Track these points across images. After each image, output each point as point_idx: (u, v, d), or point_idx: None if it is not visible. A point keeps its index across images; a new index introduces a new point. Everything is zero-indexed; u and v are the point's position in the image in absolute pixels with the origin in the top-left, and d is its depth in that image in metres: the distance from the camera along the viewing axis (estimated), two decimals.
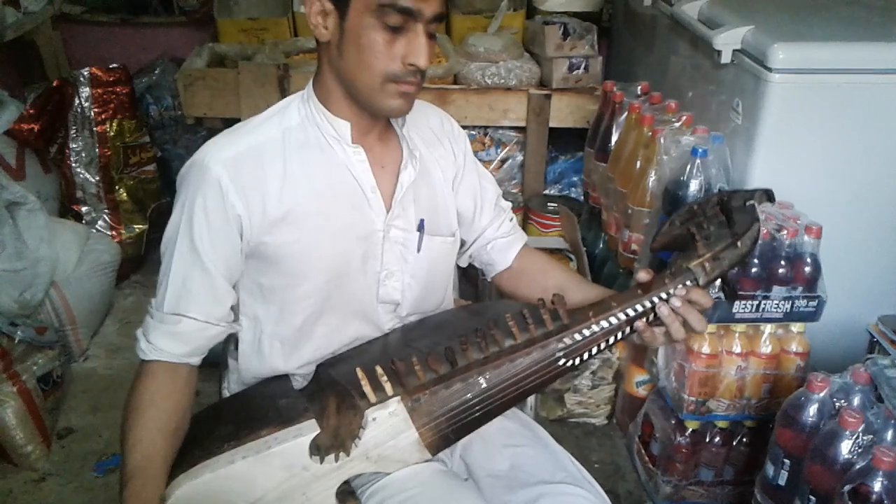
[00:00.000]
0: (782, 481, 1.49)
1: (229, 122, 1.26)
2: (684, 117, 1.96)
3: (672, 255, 1.24)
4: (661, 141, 1.89)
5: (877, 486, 1.23)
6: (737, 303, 1.67)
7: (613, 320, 1.17)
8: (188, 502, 1.10)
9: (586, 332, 1.16)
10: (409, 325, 1.32)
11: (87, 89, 2.75)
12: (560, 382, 2.20)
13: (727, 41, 1.81)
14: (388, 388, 1.12)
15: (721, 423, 1.86)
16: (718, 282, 1.23)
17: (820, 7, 2.06)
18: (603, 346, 1.18)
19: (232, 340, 1.30)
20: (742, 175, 1.81)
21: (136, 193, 2.94)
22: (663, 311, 1.16)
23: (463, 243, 1.41)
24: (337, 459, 1.13)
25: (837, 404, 1.43)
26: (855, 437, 1.32)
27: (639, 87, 2.26)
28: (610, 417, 2.27)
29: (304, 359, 1.26)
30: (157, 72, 3.34)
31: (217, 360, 1.37)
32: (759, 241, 1.63)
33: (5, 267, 2.22)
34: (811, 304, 1.68)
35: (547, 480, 1.19)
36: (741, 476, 1.90)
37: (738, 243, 1.17)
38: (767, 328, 1.74)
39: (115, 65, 2.82)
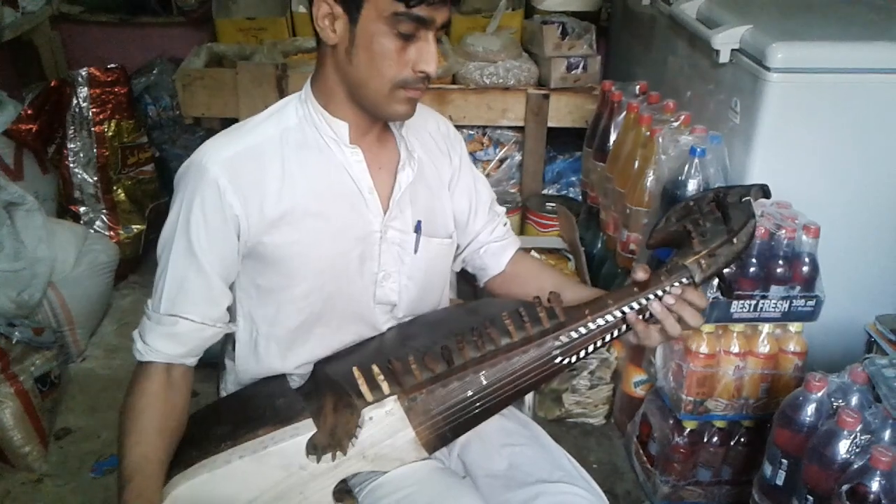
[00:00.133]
0: (780, 481, 1.49)
1: (227, 122, 1.26)
2: (682, 117, 1.96)
3: (671, 252, 1.24)
4: (660, 140, 1.89)
5: (874, 485, 1.23)
6: (735, 302, 1.67)
7: (610, 318, 1.17)
8: (185, 502, 1.10)
9: (583, 330, 1.16)
10: (406, 324, 1.32)
11: (86, 89, 2.75)
12: (558, 382, 2.20)
13: (725, 40, 1.81)
14: (384, 387, 1.12)
15: (719, 423, 1.86)
16: (715, 279, 1.23)
17: (818, 6, 2.06)
18: (599, 343, 1.18)
19: (229, 341, 1.30)
20: (740, 174, 1.81)
21: (134, 194, 2.93)
22: (656, 307, 1.16)
23: (457, 247, 1.41)
24: (334, 458, 1.13)
25: (835, 404, 1.43)
26: (853, 436, 1.32)
27: (637, 87, 2.26)
28: (608, 417, 2.27)
29: (300, 359, 1.26)
30: (155, 72, 3.34)
31: (215, 361, 1.37)
32: (758, 241, 1.63)
33: (3, 267, 2.22)
34: (809, 303, 1.68)
35: (545, 479, 1.19)
36: (739, 476, 1.90)
37: (735, 240, 1.17)
38: (765, 328, 1.74)
39: (113, 65, 2.81)
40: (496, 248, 1.43)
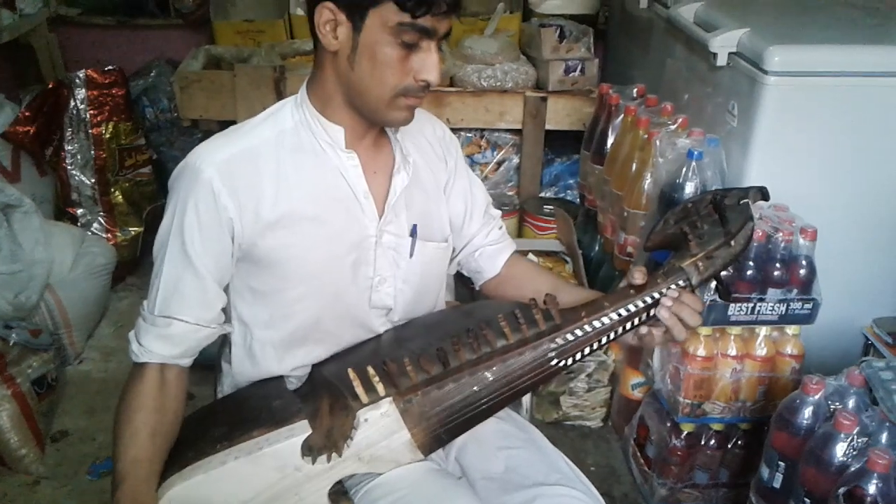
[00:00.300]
0: (777, 484, 1.49)
1: (225, 125, 1.25)
2: (680, 120, 1.96)
3: (669, 255, 1.24)
4: (657, 143, 1.89)
5: (871, 488, 1.23)
6: (732, 305, 1.67)
7: (606, 320, 1.16)
8: (181, 503, 1.10)
9: (578, 333, 1.16)
10: (403, 326, 1.32)
11: (83, 91, 2.75)
12: (556, 385, 2.20)
13: (723, 44, 1.82)
14: (380, 388, 1.12)
15: (716, 426, 1.86)
16: (713, 282, 1.23)
17: (815, 10, 2.07)
18: (595, 346, 1.18)
19: (226, 344, 1.30)
20: (738, 177, 1.81)
21: (131, 196, 2.93)
22: (664, 314, 1.16)
23: (452, 250, 1.41)
24: (329, 460, 1.12)
25: (832, 407, 1.43)
26: (850, 439, 1.33)
27: (635, 90, 2.26)
28: (605, 420, 2.27)
29: (297, 362, 1.26)
30: (153, 74, 3.34)
31: (212, 363, 1.36)
32: (755, 244, 1.63)
33: (0, 269, 2.21)
34: (806, 306, 1.68)
35: (542, 482, 1.19)
36: (736, 478, 1.91)
37: (732, 242, 1.17)
38: (762, 330, 1.74)
39: (110, 67, 2.81)
40: (491, 251, 1.43)
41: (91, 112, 2.77)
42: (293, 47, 2.94)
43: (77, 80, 2.74)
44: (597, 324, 1.16)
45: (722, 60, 1.83)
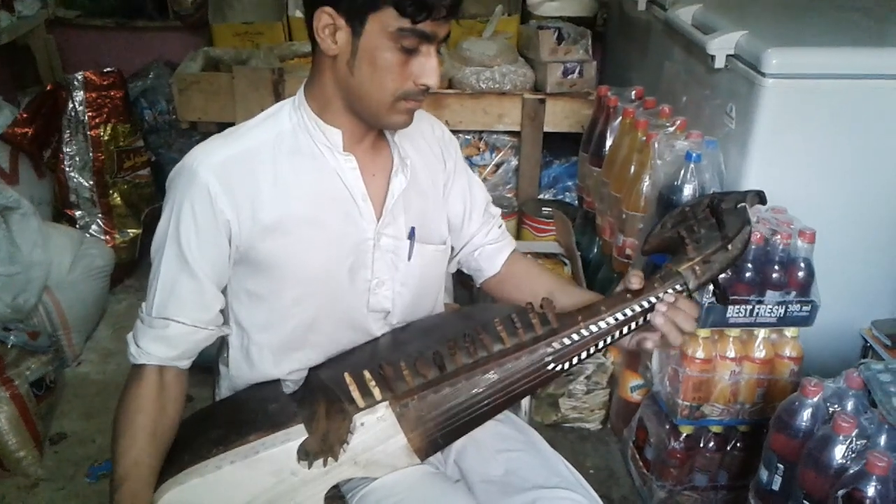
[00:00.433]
0: (776, 486, 1.49)
1: (224, 127, 1.25)
2: (678, 122, 1.96)
3: (667, 259, 1.24)
4: (655, 145, 1.89)
5: (870, 491, 1.23)
6: (730, 307, 1.67)
7: (603, 324, 1.16)
8: None
9: (575, 337, 1.16)
10: (400, 329, 1.32)
11: (81, 93, 2.75)
12: (554, 387, 2.20)
13: (721, 46, 1.82)
14: (376, 392, 1.12)
15: (715, 428, 1.86)
16: (710, 286, 1.23)
17: (814, 12, 2.07)
18: (593, 350, 1.18)
19: (224, 347, 1.29)
20: (736, 180, 1.81)
21: (130, 198, 2.93)
22: (658, 319, 1.16)
23: (452, 249, 1.41)
24: (325, 464, 1.12)
25: (831, 409, 1.43)
26: (848, 441, 1.32)
27: (633, 92, 2.26)
28: (604, 422, 2.26)
29: (294, 366, 1.26)
30: (151, 76, 3.34)
31: (210, 365, 1.36)
32: (753, 246, 1.63)
33: None
34: (805, 308, 1.68)
35: (541, 485, 1.19)
36: (735, 481, 1.90)
37: (729, 246, 1.17)
38: (761, 333, 1.74)
39: (109, 69, 2.81)
40: (491, 250, 1.42)
41: (89, 114, 2.77)
42: (291, 49, 2.94)
43: (75, 82, 2.74)
44: (594, 328, 1.16)
45: (720, 63, 1.83)
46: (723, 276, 1.22)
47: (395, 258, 1.26)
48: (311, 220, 1.17)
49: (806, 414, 1.44)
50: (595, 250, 2.45)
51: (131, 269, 2.95)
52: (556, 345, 1.16)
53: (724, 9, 2.01)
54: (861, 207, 1.81)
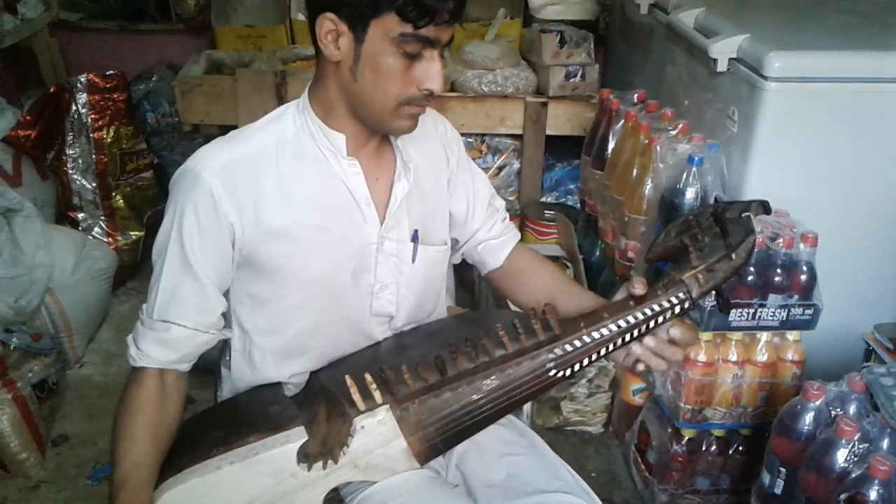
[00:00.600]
0: (778, 490, 1.49)
1: (226, 129, 1.25)
2: (680, 125, 1.96)
3: (667, 266, 1.24)
4: (658, 149, 1.89)
5: (872, 494, 1.23)
6: (733, 311, 1.67)
7: (605, 331, 1.16)
8: None
9: (577, 343, 1.16)
10: (402, 333, 1.32)
11: (84, 96, 2.75)
12: (556, 390, 2.19)
13: (723, 49, 1.82)
14: (377, 396, 1.12)
15: (717, 432, 1.85)
16: (713, 294, 1.23)
17: (816, 15, 2.07)
18: (594, 357, 1.17)
19: (226, 349, 1.29)
20: (738, 183, 1.81)
21: (132, 200, 2.93)
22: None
23: (456, 241, 1.41)
24: (325, 467, 1.12)
25: (833, 413, 1.43)
26: (851, 445, 1.32)
27: (635, 96, 2.26)
28: (606, 426, 2.26)
29: (296, 369, 1.26)
30: (154, 78, 3.34)
31: (212, 368, 1.36)
32: (755, 250, 1.63)
33: (1, 273, 2.22)
34: (807, 312, 1.68)
35: (543, 489, 1.18)
36: (737, 484, 1.90)
37: (733, 255, 1.17)
38: (763, 336, 1.74)
39: (112, 71, 2.81)
40: (494, 245, 1.42)
41: (92, 116, 2.77)
42: (294, 52, 2.94)
43: (78, 85, 2.74)
44: (596, 335, 1.16)
45: (722, 66, 1.83)
46: (726, 284, 1.22)
47: (399, 262, 1.26)
48: (315, 224, 1.17)
49: (808, 417, 1.44)
50: (597, 253, 2.45)
51: (134, 272, 2.95)
52: (557, 351, 1.15)
53: (727, 12, 2.01)
54: (863, 210, 1.81)
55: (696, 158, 1.77)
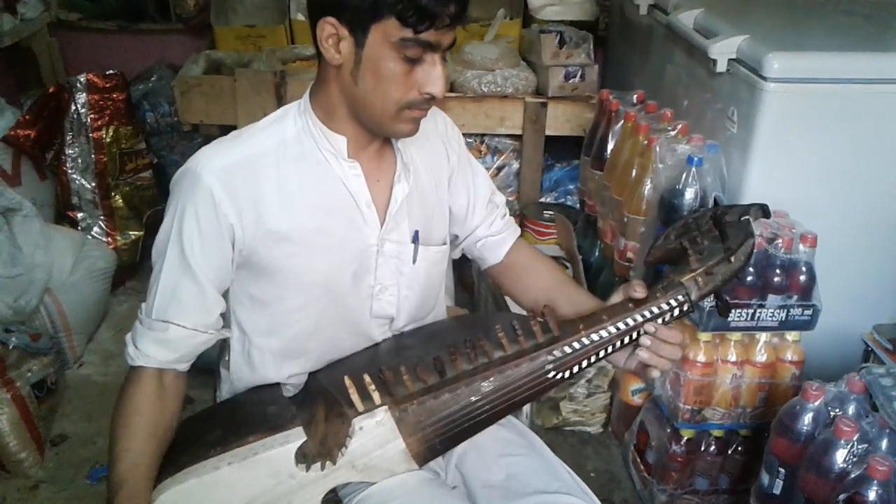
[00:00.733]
0: (777, 490, 1.49)
1: (226, 129, 1.26)
2: (680, 126, 1.96)
3: (665, 268, 1.24)
4: (657, 149, 1.89)
5: (871, 495, 1.23)
6: (732, 311, 1.67)
7: (604, 333, 1.16)
8: None
9: (576, 345, 1.16)
10: (402, 335, 1.32)
11: (84, 95, 2.75)
12: (555, 391, 2.20)
13: (723, 50, 1.82)
14: (375, 396, 1.12)
15: (716, 432, 1.86)
16: (712, 297, 1.23)
17: (815, 16, 2.07)
18: (594, 359, 1.17)
19: (225, 349, 1.29)
20: (737, 184, 1.81)
21: (131, 200, 2.93)
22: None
23: (456, 238, 1.41)
24: (323, 468, 1.12)
25: (832, 413, 1.43)
26: (850, 446, 1.33)
27: (635, 96, 2.26)
28: (605, 426, 2.26)
29: (295, 370, 1.26)
30: (153, 78, 3.34)
31: (211, 368, 1.36)
32: (755, 250, 1.63)
33: (0, 273, 2.21)
34: (806, 312, 1.68)
35: (543, 490, 1.18)
36: (736, 485, 1.90)
37: (732, 258, 1.17)
38: (762, 337, 1.74)
39: (111, 71, 2.81)
40: (494, 241, 1.42)
41: (92, 116, 2.77)
42: (294, 52, 2.94)
43: (78, 85, 2.74)
44: (595, 337, 1.16)
45: (721, 67, 1.83)
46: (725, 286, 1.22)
47: (399, 263, 1.26)
48: (315, 226, 1.17)
49: (807, 418, 1.44)
50: (596, 254, 2.45)
51: (133, 271, 2.95)
52: (556, 353, 1.15)
53: (726, 13, 2.01)
54: (863, 211, 1.82)
55: (696, 159, 1.77)
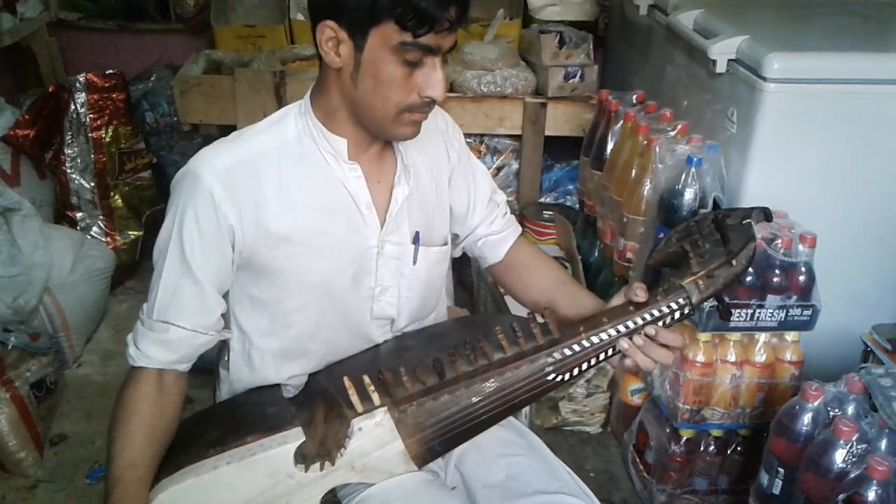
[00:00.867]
0: (776, 490, 1.49)
1: (225, 129, 1.25)
2: (679, 126, 1.96)
3: (664, 271, 1.24)
4: (657, 150, 1.89)
5: (871, 495, 1.23)
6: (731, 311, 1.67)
7: (604, 336, 1.16)
8: None
9: (576, 348, 1.15)
10: (402, 336, 1.32)
11: (83, 95, 2.75)
12: (555, 391, 2.20)
13: (722, 50, 1.82)
14: (375, 397, 1.12)
15: (715, 432, 1.86)
16: (713, 301, 1.23)
17: (815, 17, 2.07)
18: (593, 361, 1.17)
19: (224, 350, 1.29)
20: (737, 184, 1.81)
21: (131, 200, 2.93)
22: (623, 344, 1.16)
23: (456, 236, 1.41)
24: (322, 468, 1.12)
25: (832, 413, 1.43)
26: (849, 446, 1.33)
27: (634, 96, 2.26)
28: (605, 426, 2.26)
29: (295, 371, 1.26)
30: (153, 78, 3.34)
31: (211, 368, 1.36)
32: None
33: None
34: (805, 313, 1.68)
35: (542, 490, 1.18)
36: (735, 485, 1.90)
37: (733, 262, 1.16)
38: (762, 337, 1.75)
39: (111, 71, 2.81)
40: (494, 240, 1.42)
41: (91, 116, 2.77)
42: (293, 52, 2.94)
43: (77, 84, 2.74)
44: (595, 339, 1.16)
45: (721, 67, 1.83)
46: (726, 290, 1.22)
47: (400, 264, 1.26)
48: (315, 228, 1.17)
49: (806, 418, 1.44)
50: (596, 254, 2.45)
51: (132, 271, 2.95)
52: (556, 355, 1.15)
53: (726, 13, 2.01)
54: (862, 212, 1.82)
55: (695, 159, 1.77)
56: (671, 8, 2.18)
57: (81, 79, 2.74)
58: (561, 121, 2.73)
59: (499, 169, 2.90)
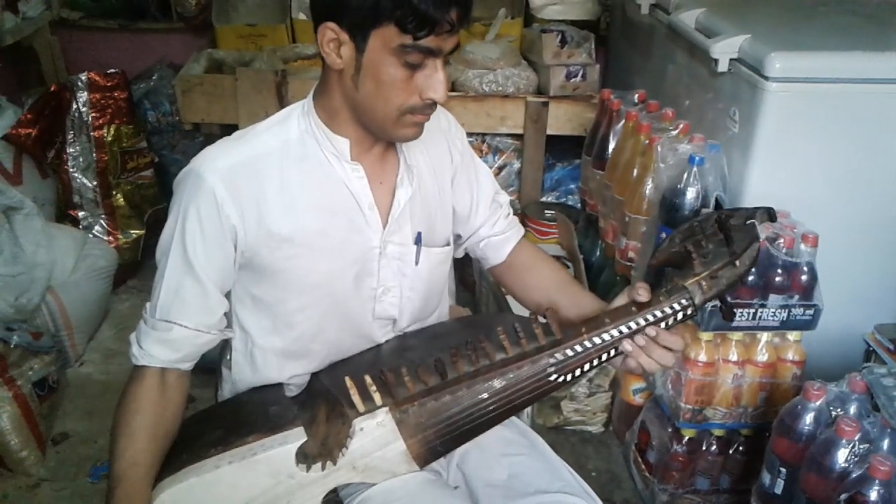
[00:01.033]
0: (778, 490, 1.49)
1: (227, 128, 1.26)
2: (681, 125, 1.96)
3: (667, 271, 1.24)
4: (658, 149, 1.89)
5: (873, 495, 1.23)
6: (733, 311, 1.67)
7: (606, 337, 1.15)
8: None
9: (578, 349, 1.15)
10: (404, 336, 1.32)
11: (85, 94, 2.75)
12: (557, 390, 2.20)
13: (724, 50, 1.82)
14: (376, 398, 1.12)
15: (717, 432, 1.86)
16: (716, 301, 1.22)
17: (817, 16, 2.07)
18: (595, 362, 1.17)
19: (227, 349, 1.29)
20: (739, 183, 1.81)
21: (133, 198, 2.93)
22: (626, 346, 1.15)
23: (459, 237, 1.41)
24: (323, 468, 1.12)
25: (834, 413, 1.43)
26: (851, 445, 1.33)
27: (636, 96, 2.26)
28: (606, 425, 2.26)
29: (297, 370, 1.26)
30: (154, 77, 3.34)
31: (213, 367, 1.36)
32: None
33: (2, 272, 2.22)
34: (807, 312, 1.68)
35: (544, 490, 1.18)
36: (737, 484, 1.90)
37: (737, 262, 1.16)
38: (764, 336, 1.74)
39: (112, 70, 2.81)
40: (496, 241, 1.42)
41: (93, 115, 2.77)
42: (295, 51, 2.95)
43: (79, 83, 2.75)
44: (597, 340, 1.15)
45: (723, 66, 1.83)
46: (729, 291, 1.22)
47: (402, 265, 1.26)
48: (317, 228, 1.17)
49: (808, 418, 1.44)
50: (598, 253, 2.45)
51: (134, 270, 2.96)
52: (559, 355, 1.15)
53: (728, 12, 2.01)
54: (864, 211, 1.81)
55: (697, 158, 1.77)
56: (673, 7, 2.18)
57: (83, 78, 2.75)
58: (563, 120, 2.73)
59: (500, 168, 2.90)
